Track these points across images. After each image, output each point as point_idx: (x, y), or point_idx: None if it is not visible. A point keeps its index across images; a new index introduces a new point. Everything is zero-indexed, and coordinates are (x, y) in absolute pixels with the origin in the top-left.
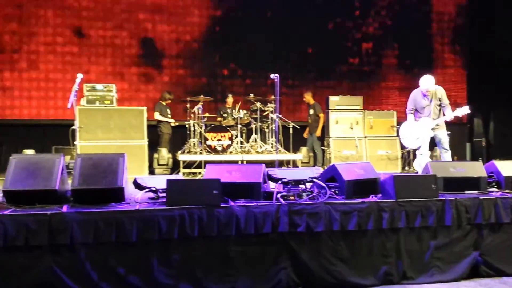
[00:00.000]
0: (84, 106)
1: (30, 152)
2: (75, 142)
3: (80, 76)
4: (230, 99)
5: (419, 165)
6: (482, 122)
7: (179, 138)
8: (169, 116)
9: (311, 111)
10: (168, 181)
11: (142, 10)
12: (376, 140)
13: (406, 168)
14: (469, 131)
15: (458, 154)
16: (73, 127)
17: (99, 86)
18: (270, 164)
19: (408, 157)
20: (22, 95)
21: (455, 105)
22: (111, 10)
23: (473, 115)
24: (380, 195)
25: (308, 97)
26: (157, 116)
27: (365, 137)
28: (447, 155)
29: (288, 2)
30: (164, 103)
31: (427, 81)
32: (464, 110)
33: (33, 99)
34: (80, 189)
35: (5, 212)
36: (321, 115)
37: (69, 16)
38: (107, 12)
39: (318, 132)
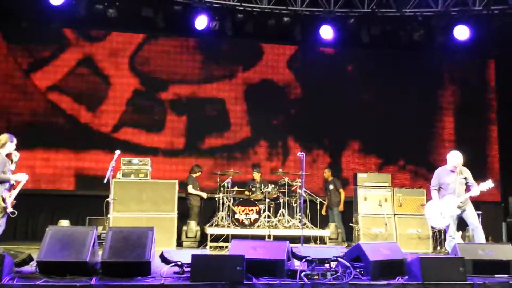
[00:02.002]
0: (119, 179)
1: (65, 222)
2: (108, 215)
3: (118, 152)
4: (257, 174)
5: (450, 246)
6: None
7: (209, 210)
8: (198, 188)
9: (331, 187)
10: (193, 256)
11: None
12: (406, 218)
13: (438, 248)
14: (504, 211)
15: (493, 234)
16: (108, 200)
17: (135, 160)
18: (297, 239)
19: (439, 236)
20: (62, 165)
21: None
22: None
23: (508, 193)
24: (406, 277)
25: (328, 173)
26: (190, 189)
27: (395, 214)
28: (478, 231)
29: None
30: (194, 176)
31: (456, 157)
32: (488, 185)
33: (71, 170)
34: (109, 262)
35: (37, 283)
36: (341, 190)
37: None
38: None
39: (342, 207)
